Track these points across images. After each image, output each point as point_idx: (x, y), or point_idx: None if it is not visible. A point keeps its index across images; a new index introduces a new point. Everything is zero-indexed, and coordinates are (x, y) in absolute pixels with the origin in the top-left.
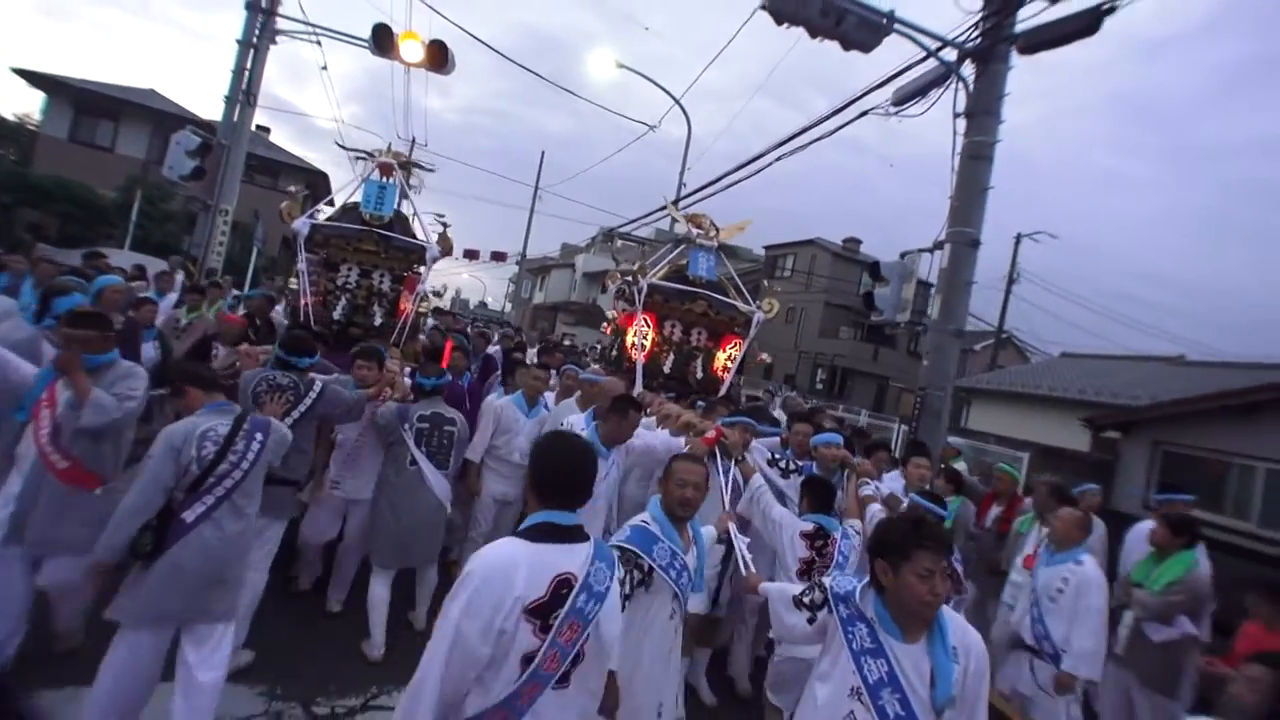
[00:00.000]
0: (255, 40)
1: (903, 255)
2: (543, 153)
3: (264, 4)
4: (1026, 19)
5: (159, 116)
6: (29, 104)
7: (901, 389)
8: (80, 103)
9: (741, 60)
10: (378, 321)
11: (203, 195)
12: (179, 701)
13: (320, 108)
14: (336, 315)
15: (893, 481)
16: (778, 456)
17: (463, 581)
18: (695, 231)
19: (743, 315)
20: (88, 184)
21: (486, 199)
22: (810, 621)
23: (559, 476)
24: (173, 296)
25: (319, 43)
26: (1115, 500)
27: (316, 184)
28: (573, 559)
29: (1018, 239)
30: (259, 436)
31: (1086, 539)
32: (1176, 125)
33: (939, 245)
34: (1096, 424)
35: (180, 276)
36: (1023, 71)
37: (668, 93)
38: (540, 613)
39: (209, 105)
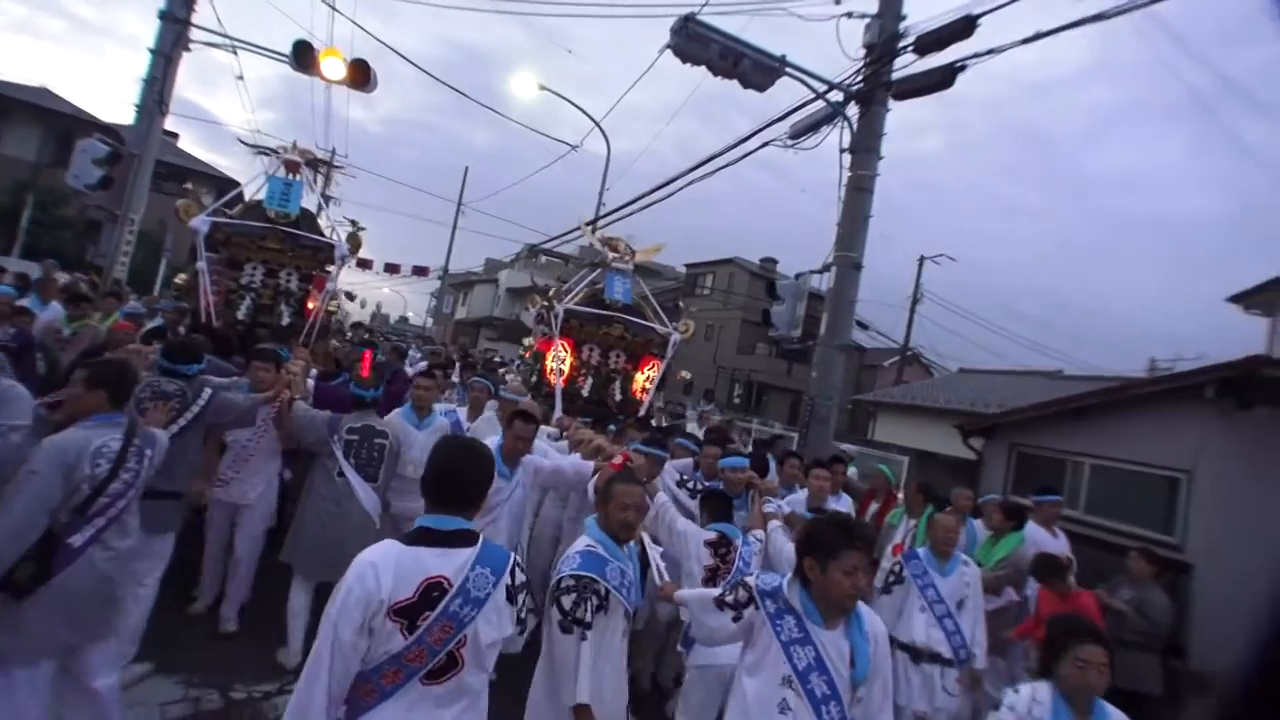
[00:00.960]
0: (169, 50)
1: (796, 276)
2: (466, 168)
3: (179, 14)
4: (901, 68)
5: (51, 116)
6: None
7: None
8: None
9: (665, 82)
10: (285, 321)
11: (109, 205)
12: (82, 715)
13: (232, 112)
14: (240, 315)
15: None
16: (687, 478)
17: (341, 583)
18: (611, 255)
19: (660, 337)
20: None
21: (409, 213)
22: (736, 620)
23: (440, 479)
24: (56, 306)
25: (235, 52)
26: (980, 497)
27: (227, 191)
28: (448, 563)
29: (921, 261)
30: (149, 452)
31: (961, 539)
32: (1062, 158)
33: (827, 267)
34: (964, 430)
35: (62, 281)
36: (932, 105)
37: (588, 115)
38: (407, 613)
39: (104, 105)
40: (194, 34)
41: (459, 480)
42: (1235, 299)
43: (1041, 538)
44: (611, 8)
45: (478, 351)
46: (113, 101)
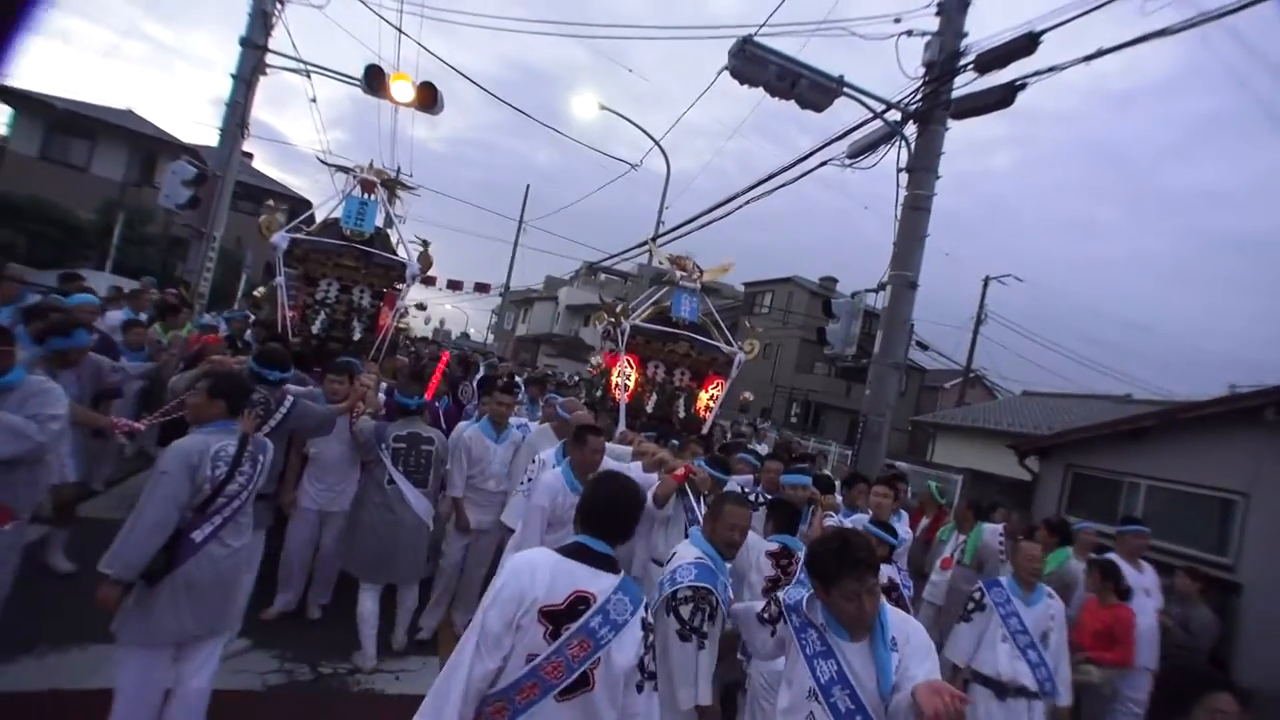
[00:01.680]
0: (249, 75)
1: (853, 295)
2: (528, 186)
3: (258, 40)
4: (960, 86)
5: (136, 138)
6: None
7: None
8: (53, 120)
9: (725, 99)
10: (357, 336)
11: (196, 223)
12: (174, 707)
13: (303, 132)
14: (315, 329)
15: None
16: (748, 492)
17: (496, 579)
18: (679, 273)
19: (724, 356)
20: (61, 204)
21: (471, 231)
22: (772, 635)
23: (604, 509)
24: (116, 314)
25: (309, 75)
26: (1035, 516)
27: (299, 210)
28: (596, 581)
29: (986, 281)
30: (261, 457)
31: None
32: (1142, 174)
33: (882, 286)
34: (1020, 450)
35: (155, 295)
36: (1002, 119)
37: (648, 134)
38: (554, 618)
39: (182, 124)
40: (270, 59)
41: (620, 514)
42: None
43: (1124, 571)
44: (669, 29)
45: (541, 368)
46: (189, 120)
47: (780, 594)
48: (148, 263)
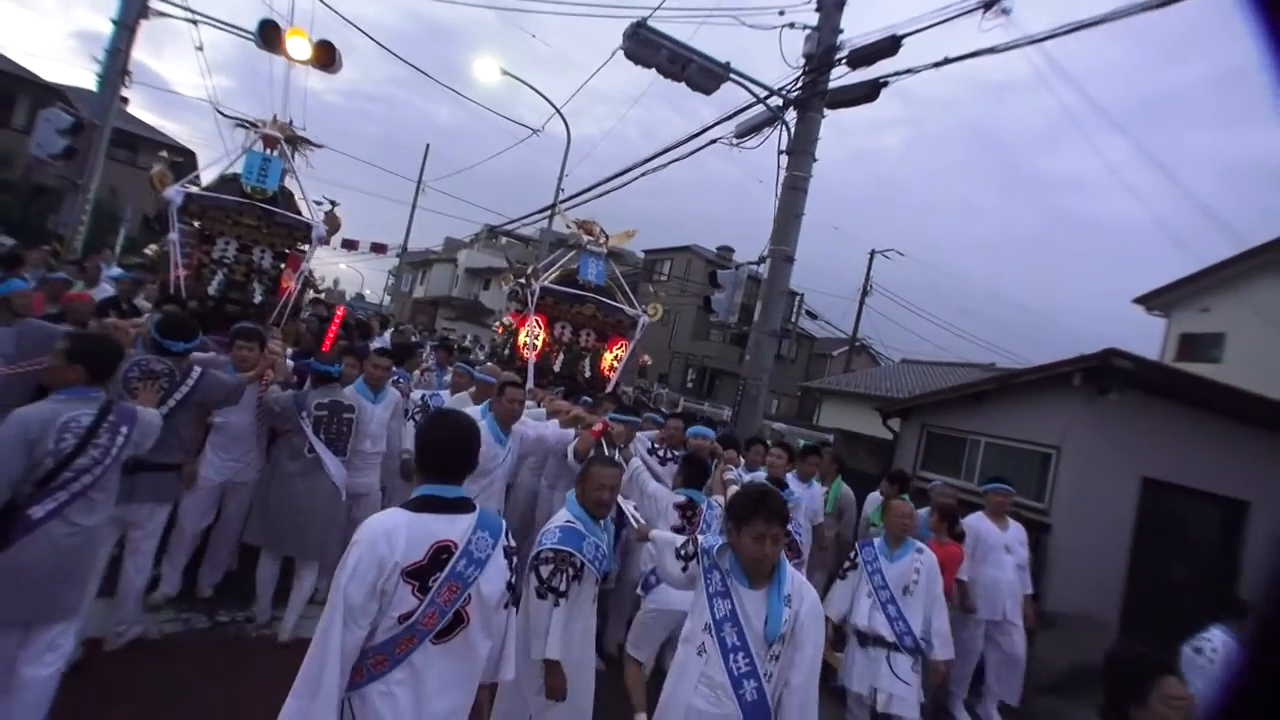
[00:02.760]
0: (132, 21)
1: (736, 267)
2: (428, 146)
3: None
4: (836, 79)
5: None
6: None
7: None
8: None
9: (627, 68)
10: (257, 299)
11: (70, 175)
12: (12, 698)
13: (184, 75)
14: (211, 290)
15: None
16: (655, 446)
17: (349, 549)
18: (586, 238)
19: (629, 318)
20: None
21: (368, 191)
22: (684, 569)
23: (440, 452)
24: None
25: (196, 24)
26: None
27: (181, 161)
28: (453, 528)
29: (871, 255)
30: (124, 429)
31: (916, 527)
32: (1015, 159)
33: (762, 259)
34: (884, 412)
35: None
36: (893, 101)
37: (549, 101)
38: (419, 575)
39: (44, 61)
40: (155, 3)
41: (456, 451)
42: (1140, 300)
43: (984, 528)
44: (572, 4)
45: (443, 334)
46: (49, 55)
47: (699, 536)
48: (7, 211)
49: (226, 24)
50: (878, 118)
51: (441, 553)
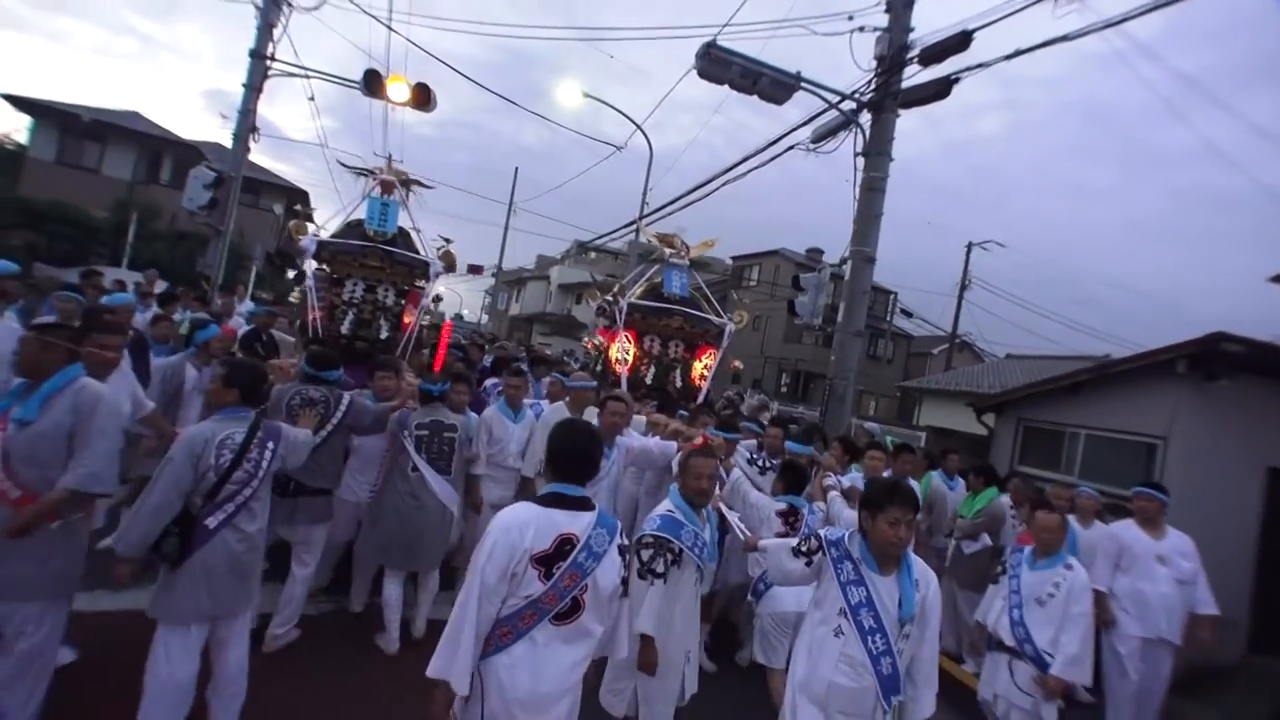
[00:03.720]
0: (258, 84)
1: (818, 270)
2: (516, 169)
3: (265, 51)
4: (909, 78)
5: (142, 138)
6: (10, 125)
7: (862, 390)
8: (67, 126)
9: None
10: (384, 335)
11: (213, 222)
12: (218, 677)
13: (294, 119)
14: (343, 329)
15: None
16: (754, 456)
17: (486, 536)
18: (668, 251)
19: (715, 327)
20: (78, 205)
21: (462, 216)
22: (808, 565)
23: (568, 455)
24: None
25: (308, 78)
26: (997, 466)
27: (296, 200)
28: (576, 523)
29: (969, 248)
30: (271, 445)
31: (1064, 540)
32: (1133, 134)
33: (844, 261)
34: (977, 408)
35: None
36: (990, 84)
37: (630, 119)
38: (545, 561)
39: (180, 119)
40: (275, 65)
41: (581, 455)
42: (1277, 279)
43: (1130, 537)
44: (647, 30)
45: (537, 349)
46: (183, 113)
47: (822, 531)
48: (159, 257)
49: (336, 77)
50: (975, 104)
51: (565, 544)
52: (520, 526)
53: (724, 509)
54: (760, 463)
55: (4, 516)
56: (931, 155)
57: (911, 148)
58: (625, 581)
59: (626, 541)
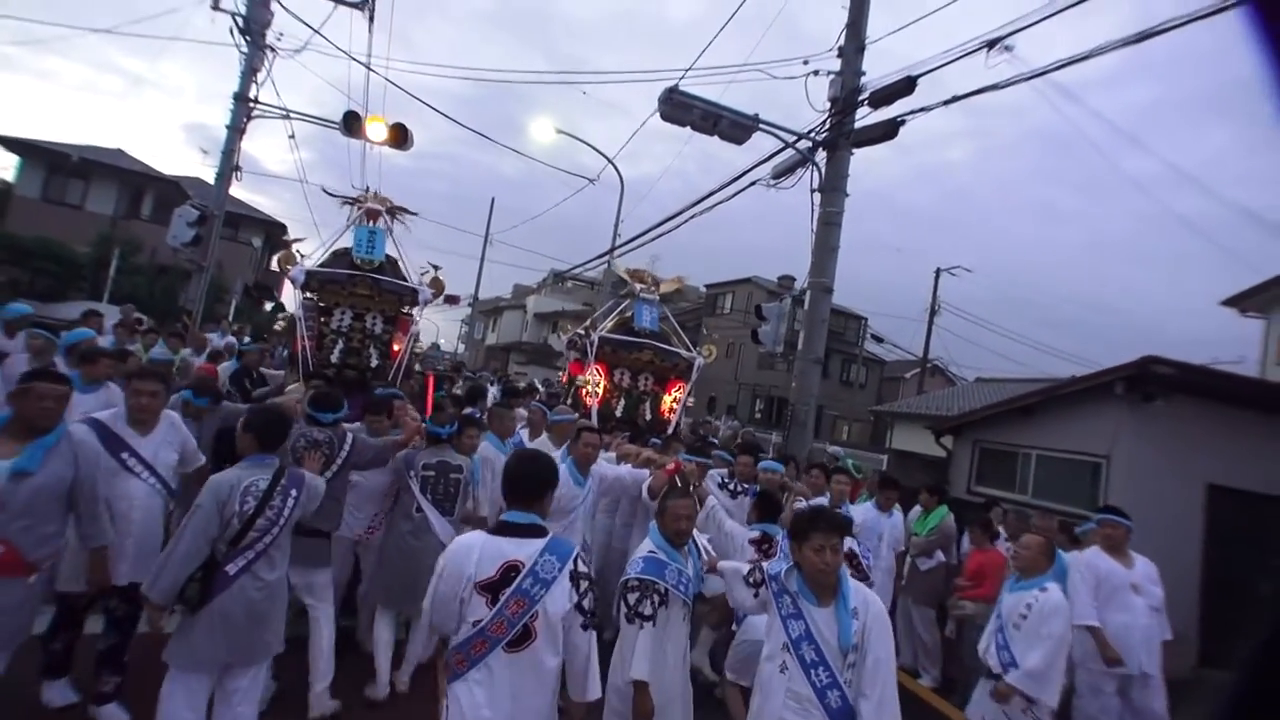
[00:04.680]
0: (242, 125)
1: (781, 299)
2: (493, 200)
3: (249, 94)
4: (862, 118)
5: (125, 175)
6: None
7: (835, 416)
8: (54, 164)
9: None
10: (373, 363)
11: (196, 258)
12: None
13: (270, 151)
14: (332, 358)
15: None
16: (727, 481)
17: (439, 561)
18: (639, 286)
19: (685, 361)
20: (63, 241)
21: (439, 248)
22: (755, 595)
23: (515, 481)
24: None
25: (288, 118)
26: (952, 490)
27: (274, 234)
28: (522, 549)
29: (937, 273)
30: (294, 493)
31: (1050, 567)
32: (1096, 160)
33: (802, 293)
34: (936, 430)
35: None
36: (957, 114)
37: (603, 154)
38: (491, 588)
39: (159, 153)
40: (257, 107)
41: (530, 481)
42: (1229, 302)
43: (1105, 566)
44: (618, 73)
45: (512, 376)
46: (161, 145)
47: (764, 564)
48: (138, 291)
49: (316, 118)
50: (945, 132)
51: (511, 570)
52: (465, 553)
53: (695, 534)
54: (732, 487)
55: None
56: (903, 181)
57: (884, 173)
58: (585, 611)
59: (584, 569)
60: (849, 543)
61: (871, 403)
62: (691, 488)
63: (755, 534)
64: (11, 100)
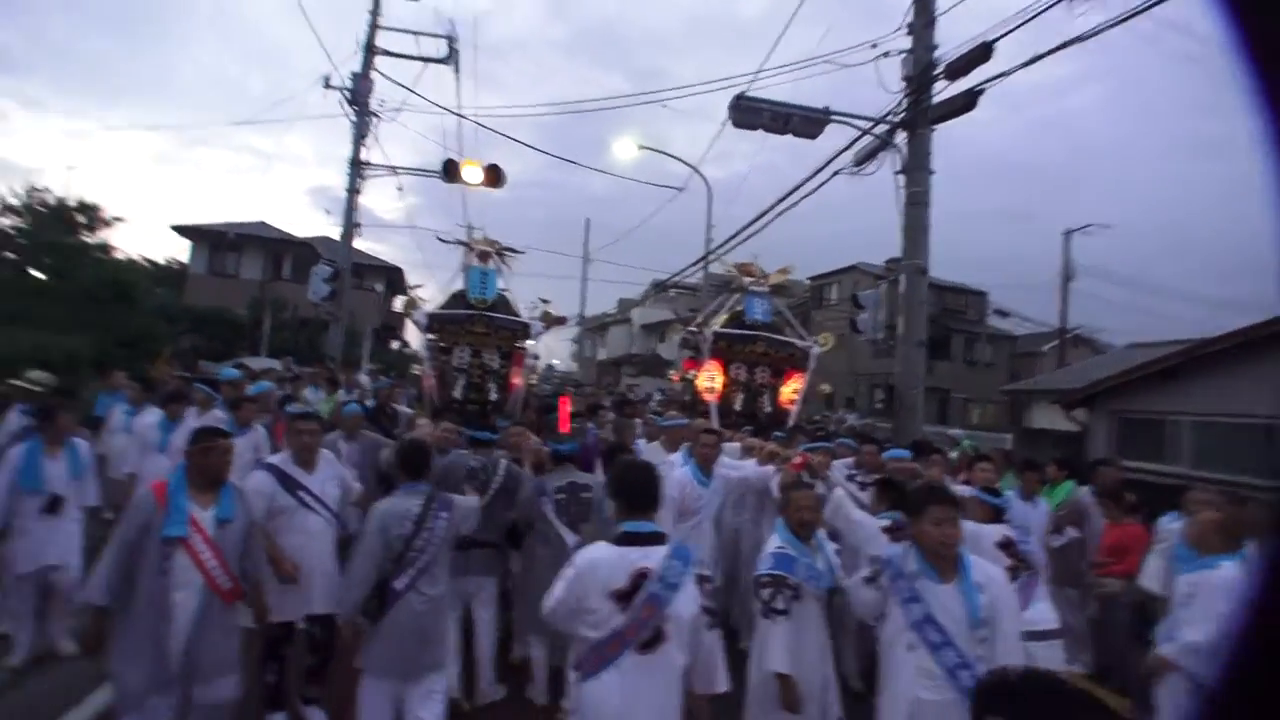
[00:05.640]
0: (358, 187)
1: (878, 284)
2: (588, 220)
3: (362, 158)
4: (939, 93)
5: (268, 243)
6: (176, 249)
7: (965, 399)
8: (214, 243)
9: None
10: (494, 396)
11: (333, 310)
12: None
13: (377, 200)
14: (456, 394)
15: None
16: (853, 473)
17: (567, 568)
18: (747, 279)
19: (800, 350)
20: (228, 307)
21: (542, 273)
22: (877, 589)
23: (629, 491)
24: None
25: (396, 172)
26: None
27: (394, 278)
28: (649, 557)
29: (1066, 235)
30: (444, 514)
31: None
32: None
33: (897, 276)
34: (1066, 404)
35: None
36: (1087, 52)
37: (687, 164)
38: (623, 597)
39: (291, 217)
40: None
41: (640, 489)
42: None
43: None
44: (689, 87)
45: (623, 389)
46: (291, 209)
47: (881, 554)
48: (287, 343)
49: (419, 170)
50: (1057, 79)
51: (641, 577)
52: (593, 569)
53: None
54: (859, 477)
55: (218, 606)
56: (1019, 141)
57: (991, 137)
58: (711, 612)
59: (707, 571)
60: (1003, 530)
61: (1004, 381)
62: (821, 479)
63: (885, 522)
64: (175, 189)
